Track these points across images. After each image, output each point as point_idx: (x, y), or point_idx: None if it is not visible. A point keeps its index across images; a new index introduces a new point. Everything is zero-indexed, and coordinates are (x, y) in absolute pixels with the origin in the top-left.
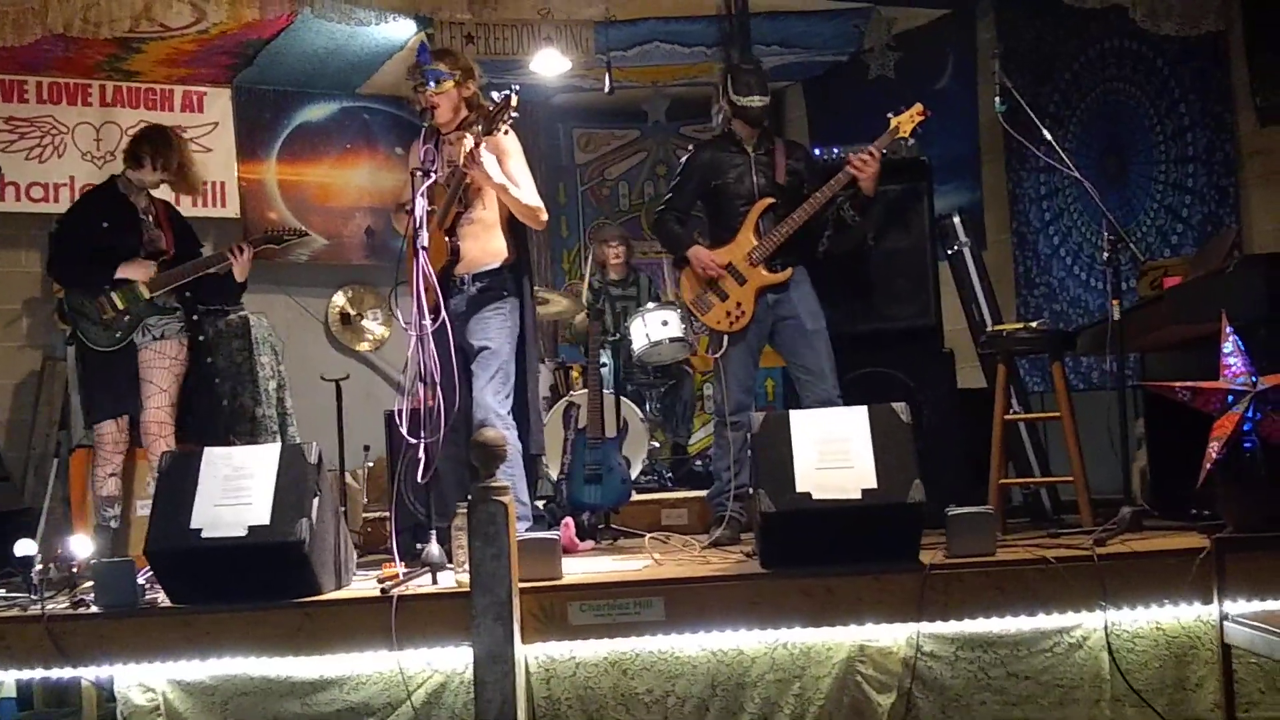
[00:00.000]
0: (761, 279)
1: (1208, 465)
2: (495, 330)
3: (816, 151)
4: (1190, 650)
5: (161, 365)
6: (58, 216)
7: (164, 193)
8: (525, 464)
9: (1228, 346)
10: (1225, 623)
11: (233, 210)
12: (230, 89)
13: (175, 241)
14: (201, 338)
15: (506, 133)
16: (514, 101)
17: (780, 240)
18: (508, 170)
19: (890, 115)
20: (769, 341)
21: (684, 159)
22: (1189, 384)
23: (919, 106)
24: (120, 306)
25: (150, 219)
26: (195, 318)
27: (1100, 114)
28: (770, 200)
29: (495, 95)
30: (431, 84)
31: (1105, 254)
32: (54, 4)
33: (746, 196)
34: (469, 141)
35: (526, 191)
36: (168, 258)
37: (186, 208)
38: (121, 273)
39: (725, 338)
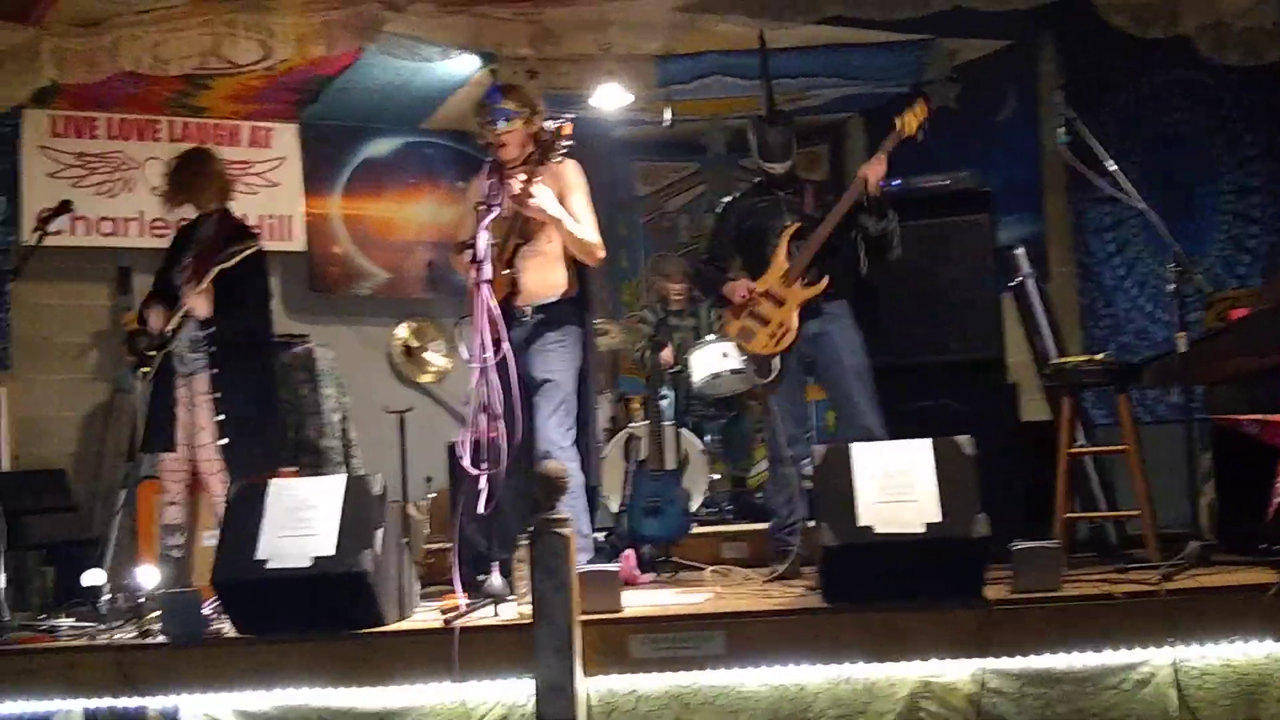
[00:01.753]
0: (799, 295)
1: (1276, 499)
2: (557, 362)
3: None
4: (1261, 688)
5: (197, 404)
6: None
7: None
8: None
9: None
10: None
11: (299, 244)
12: (297, 124)
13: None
14: (217, 370)
15: (561, 162)
16: (566, 130)
17: (810, 254)
18: (569, 205)
19: (895, 117)
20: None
21: (717, 215)
22: (1257, 417)
23: (922, 103)
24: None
25: (196, 249)
26: (218, 348)
27: (1164, 144)
28: (797, 224)
29: (548, 125)
30: (501, 123)
31: (1171, 285)
32: (124, 42)
33: (779, 230)
34: (520, 180)
35: (585, 227)
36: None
37: None
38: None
39: (775, 361)
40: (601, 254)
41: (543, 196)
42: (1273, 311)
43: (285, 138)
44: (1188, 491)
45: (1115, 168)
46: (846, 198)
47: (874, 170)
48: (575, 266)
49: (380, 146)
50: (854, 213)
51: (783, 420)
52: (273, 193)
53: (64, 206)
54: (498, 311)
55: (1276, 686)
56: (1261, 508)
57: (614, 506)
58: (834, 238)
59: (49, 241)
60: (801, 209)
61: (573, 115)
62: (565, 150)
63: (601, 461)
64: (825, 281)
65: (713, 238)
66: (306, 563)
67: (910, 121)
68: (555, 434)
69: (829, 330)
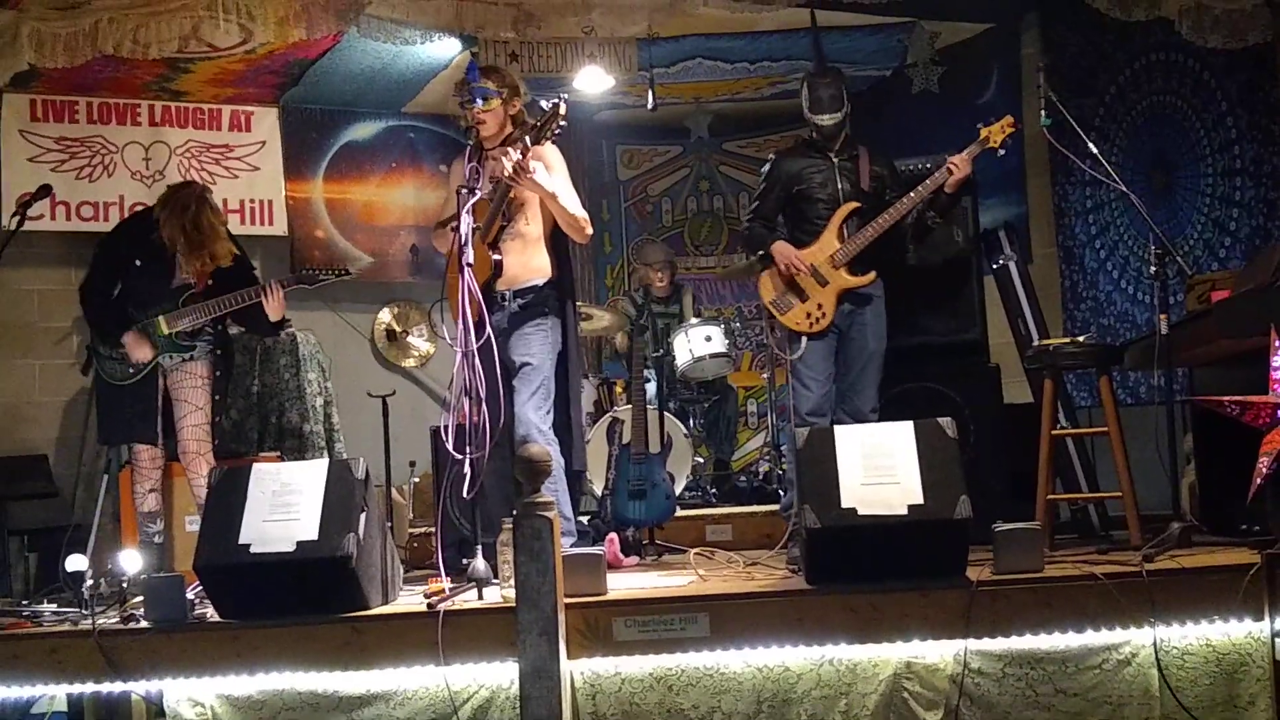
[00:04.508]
0: (844, 281)
1: (1257, 480)
2: (537, 346)
3: None
4: (1241, 667)
5: (193, 385)
6: (99, 238)
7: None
8: (568, 480)
9: (1277, 360)
10: (1277, 639)
11: (280, 228)
12: (277, 108)
13: (212, 275)
14: (221, 354)
15: (553, 140)
16: (563, 109)
17: (864, 244)
18: (551, 181)
19: (980, 125)
20: None
21: (766, 168)
22: (1238, 398)
23: (1009, 119)
24: (129, 357)
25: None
26: (220, 349)
27: (1146, 127)
28: (855, 205)
29: (544, 103)
30: (479, 101)
31: (1152, 268)
32: (104, 26)
33: (829, 201)
34: (515, 153)
35: (572, 202)
36: (195, 293)
37: (235, 226)
38: (125, 338)
39: (803, 339)
40: (589, 230)
41: (537, 170)
42: (1254, 294)
43: (266, 121)
44: (1169, 473)
45: (1097, 151)
46: (914, 195)
47: (961, 172)
48: (557, 251)
49: (362, 130)
50: (914, 207)
51: (809, 389)
52: (253, 177)
53: (43, 191)
54: (479, 294)
55: (1256, 666)
56: (1242, 489)
57: (598, 490)
58: (889, 230)
59: (29, 226)
60: (858, 181)
61: (566, 94)
62: (560, 129)
63: (585, 445)
64: (872, 275)
65: (760, 197)
66: (289, 547)
67: (996, 134)
68: (534, 416)
69: (864, 311)
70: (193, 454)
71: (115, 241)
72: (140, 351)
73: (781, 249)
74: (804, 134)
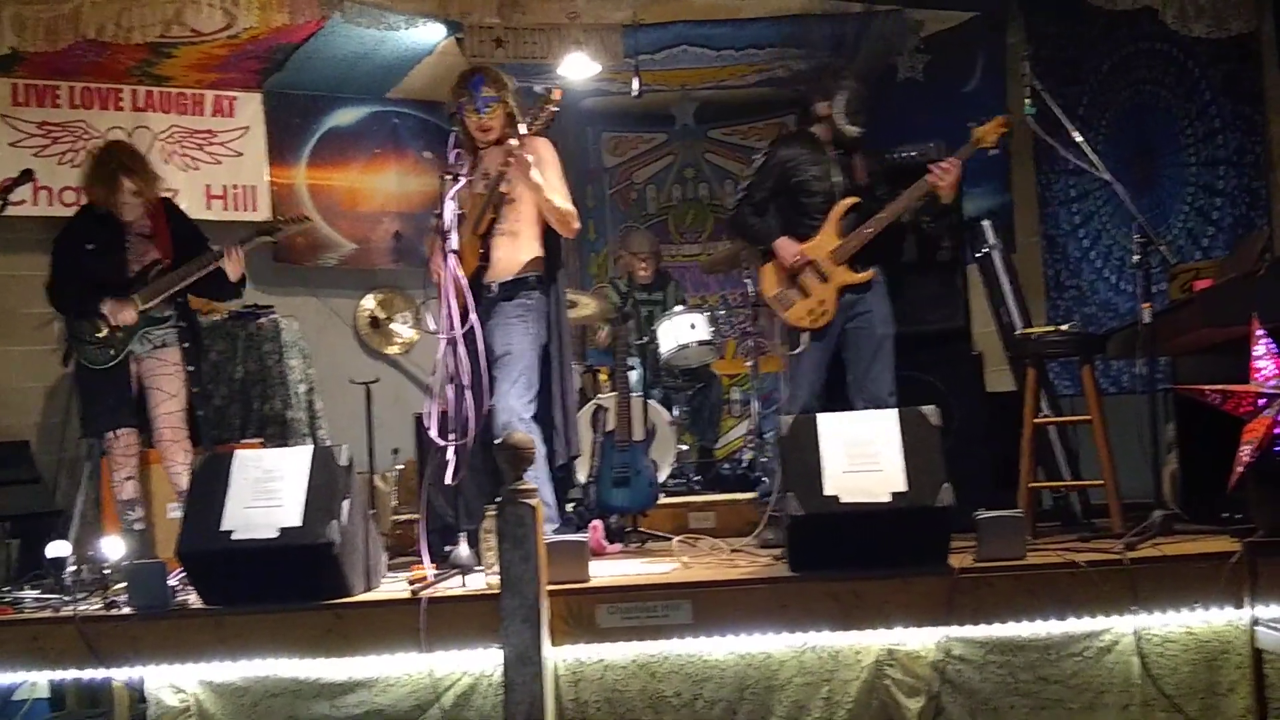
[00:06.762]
0: (844, 277)
1: (1239, 469)
2: (518, 336)
3: None
4: (1221, 655)
5: (166, 372)
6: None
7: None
8: (566, 466)
9: (1259, 349)
10: (1257, 627)
11: (264, 215)
12: (261, 93)
13: (173, 248)
14: (189, 343)
15: (544, 133)
16: (557, 95)
17: (865, 240)
18: (543, 175)
19: (971, 125)
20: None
21: (761, 155)
22: (1220, 387)
23: (1001, 119)
24: (113, 324)
25: (139, 234)
26: (187, 324)
27: (1130, 116)
28: (854, 200)
29: (538, 89)
30: (484, 111)
31: (1135, 257)
32: (86, 10)
33: (826, 195)
34: (513, 142)
35: (560, 197)
36: (164, 266)
37: (218, 212)
38: (104, 307)
39: (804, 335)
40: (577, 224)
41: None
42: (1236, 283)
43: (249, 107)
44: (1151, 461)
45: (1081, 139)
46: (909, 195)
47: (949, 178)
48: (546, 244)
49: (346, 116)
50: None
51: (801, 392)
52: (237, 162)
53: (26, 176)
54: (465, 283)
55: (1236, 653)
56: (1224, 478)
57: (582, 477)
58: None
59: (10, 211)
60: (854, 176)
61: (558, 83)
62: (554, 114)
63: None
64: (872, 272)
65: (753, 184)
66: (272, 534)
67: (989, 134)
68: (516, 404)
69: (867, 299)
70: (168, 441)
71: (67, 232)
72: (124, 313)
73: (786, 245)
74: (809, 127)
